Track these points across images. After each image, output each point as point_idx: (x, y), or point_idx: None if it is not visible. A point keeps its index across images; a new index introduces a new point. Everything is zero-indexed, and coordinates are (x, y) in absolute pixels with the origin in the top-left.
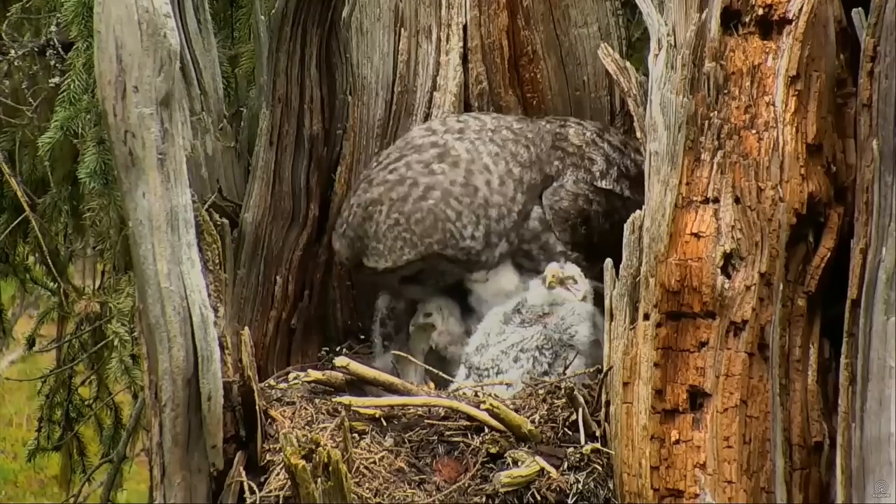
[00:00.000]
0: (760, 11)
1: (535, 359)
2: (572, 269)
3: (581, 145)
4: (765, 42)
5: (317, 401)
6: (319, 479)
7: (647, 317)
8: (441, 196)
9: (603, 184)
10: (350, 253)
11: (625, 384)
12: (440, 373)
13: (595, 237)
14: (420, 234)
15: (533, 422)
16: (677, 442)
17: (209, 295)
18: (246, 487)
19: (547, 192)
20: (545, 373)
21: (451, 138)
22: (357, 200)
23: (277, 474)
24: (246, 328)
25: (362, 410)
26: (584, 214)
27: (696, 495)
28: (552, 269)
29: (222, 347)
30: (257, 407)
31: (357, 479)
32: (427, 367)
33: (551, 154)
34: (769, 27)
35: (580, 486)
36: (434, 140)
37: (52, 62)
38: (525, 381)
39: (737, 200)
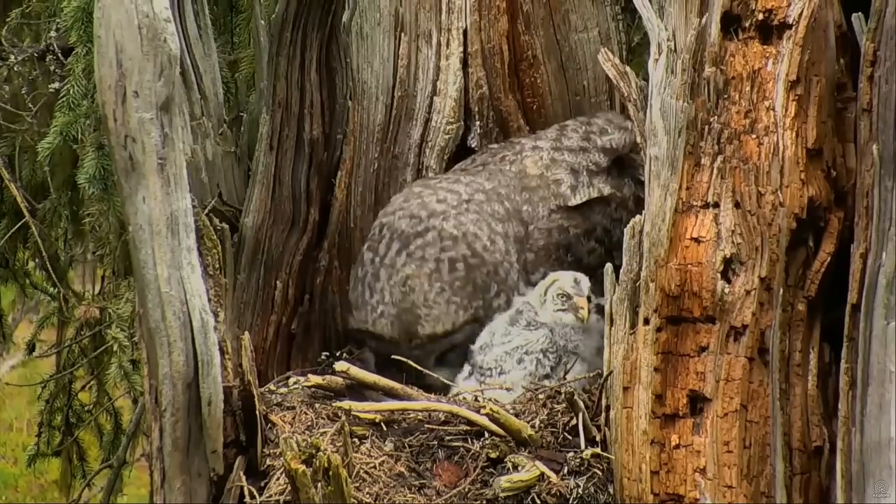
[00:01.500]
0: (760, 16)
1: (539, 361)
2: (585, 283)
3: (541, 172)
4: (765, 47)
5: (317, 405)
6: (320, 484)
7: (647, 321)
8: (465, 267)
9: (577, 199)
10: (399, 329)
11: (625, 389)
12: (441, 377)
13: (584, 259)
14: (468, 296)
15: (533, 426)
16: (677, 446)
17: (209, 299)
18: (246, 492)
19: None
20: (547, 376)
21: (437, 221)
22: (388, 284)
23: (277, 479)
24: (246, 333)
25: (362, 415)
26: (564, 244)
27: (696, 500)
28: (569, 291)
29: (222, 352)
30: (257, 411)
31: (357, 484)
32: (428, 371)
33: (521, 199)
34: (769, 32)
35: (580, 490)
36: (425, 226)
37: (52, 67)
38: (525, 386)
39: (737, 205)
